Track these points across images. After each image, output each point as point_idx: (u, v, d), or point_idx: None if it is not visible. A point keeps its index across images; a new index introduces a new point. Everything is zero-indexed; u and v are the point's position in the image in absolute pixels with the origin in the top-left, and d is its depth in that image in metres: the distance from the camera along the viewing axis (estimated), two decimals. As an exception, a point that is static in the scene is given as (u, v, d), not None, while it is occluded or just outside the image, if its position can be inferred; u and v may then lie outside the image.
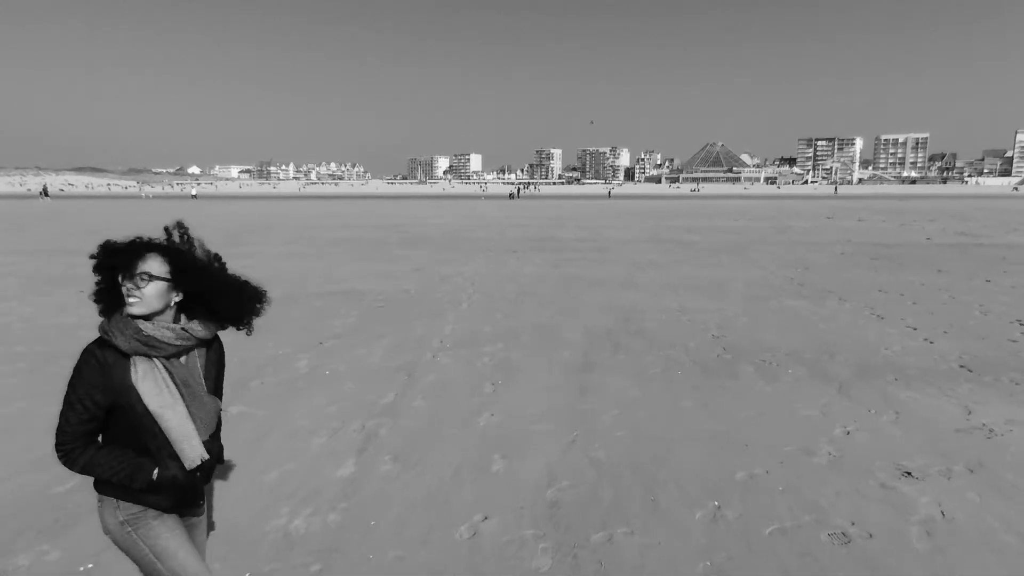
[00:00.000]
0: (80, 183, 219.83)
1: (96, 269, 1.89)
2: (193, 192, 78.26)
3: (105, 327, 1.84)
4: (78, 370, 1.81)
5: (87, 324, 7.97)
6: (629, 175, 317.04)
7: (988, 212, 33.95)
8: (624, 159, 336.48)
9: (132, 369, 1.82)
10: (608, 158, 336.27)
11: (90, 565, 3.00)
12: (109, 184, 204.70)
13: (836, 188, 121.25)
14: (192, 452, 1.88)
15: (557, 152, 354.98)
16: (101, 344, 1.84)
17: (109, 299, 1.89)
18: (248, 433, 4.56)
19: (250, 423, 4.76)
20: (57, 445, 1.81)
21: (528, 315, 8.46)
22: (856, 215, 31.71)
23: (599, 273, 12.21)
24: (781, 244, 17.47)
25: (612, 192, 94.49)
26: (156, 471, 1.84)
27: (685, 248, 16.72)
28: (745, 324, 7.84)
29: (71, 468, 1.83)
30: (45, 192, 76.66)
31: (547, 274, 12.08)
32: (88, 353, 1.83)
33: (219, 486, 3.78)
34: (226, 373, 6.17)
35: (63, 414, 1.81)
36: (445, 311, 8.72)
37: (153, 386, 1.83)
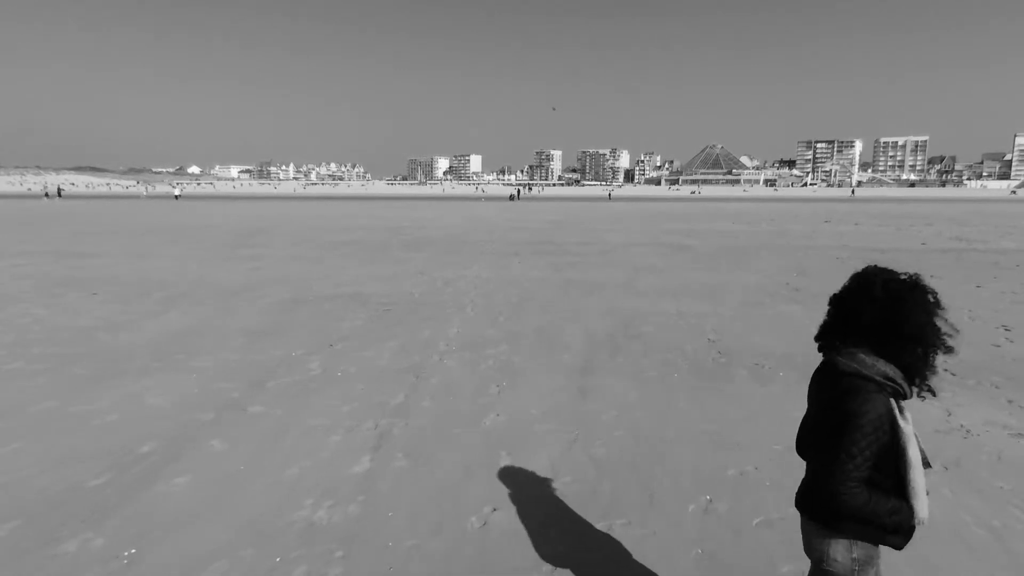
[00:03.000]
0: (81, 182, 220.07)
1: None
2: (176, 193, 73.13)
3: (882, 371, 1.83)
4: (866, 417, 1.79)
5: (101, 326, 8.26)
6: (629, 177, 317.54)
7: (985, 216, 34.26)
8: (624, 160, 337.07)
9: (896, 412, 1.83)
10: (608, 159, 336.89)
11: (133, 551, 3.26)
12: (109, 183, 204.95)
13: (853, 190, 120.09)
14: (924, 505, 1.88)
15: (557, 153, 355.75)
16: (878, 387, 1.82)
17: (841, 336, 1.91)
18: (267, 431, 4.82)
19: (268, 421, 5.02)
20: (843, 490, 1.80)
21: (530, 319, 8.72)
22: (853, 219, 32.01)
23: (600, 277, 12.48)
24: (779, 249, 17.75)
25: (612, 194, 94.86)
26: (917, 517, 1.88)
27: (684, 252, 16.99)
28: (741, 328, 8.11)
29: (848, 506, 1.83)
30: (59, 193, 77.72)
31: (549, 278, 12.36)
32: (874, 400, 1.80)
33: (246, 479, 4.05)
34: (243, 372, 6.77)
35: (850, 459, 1.79)
36: (449, 315, 8.99)
37: (910, 431, 1.84)
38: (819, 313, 2.05)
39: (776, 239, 20.70)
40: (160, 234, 22.80)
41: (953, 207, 48.00)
